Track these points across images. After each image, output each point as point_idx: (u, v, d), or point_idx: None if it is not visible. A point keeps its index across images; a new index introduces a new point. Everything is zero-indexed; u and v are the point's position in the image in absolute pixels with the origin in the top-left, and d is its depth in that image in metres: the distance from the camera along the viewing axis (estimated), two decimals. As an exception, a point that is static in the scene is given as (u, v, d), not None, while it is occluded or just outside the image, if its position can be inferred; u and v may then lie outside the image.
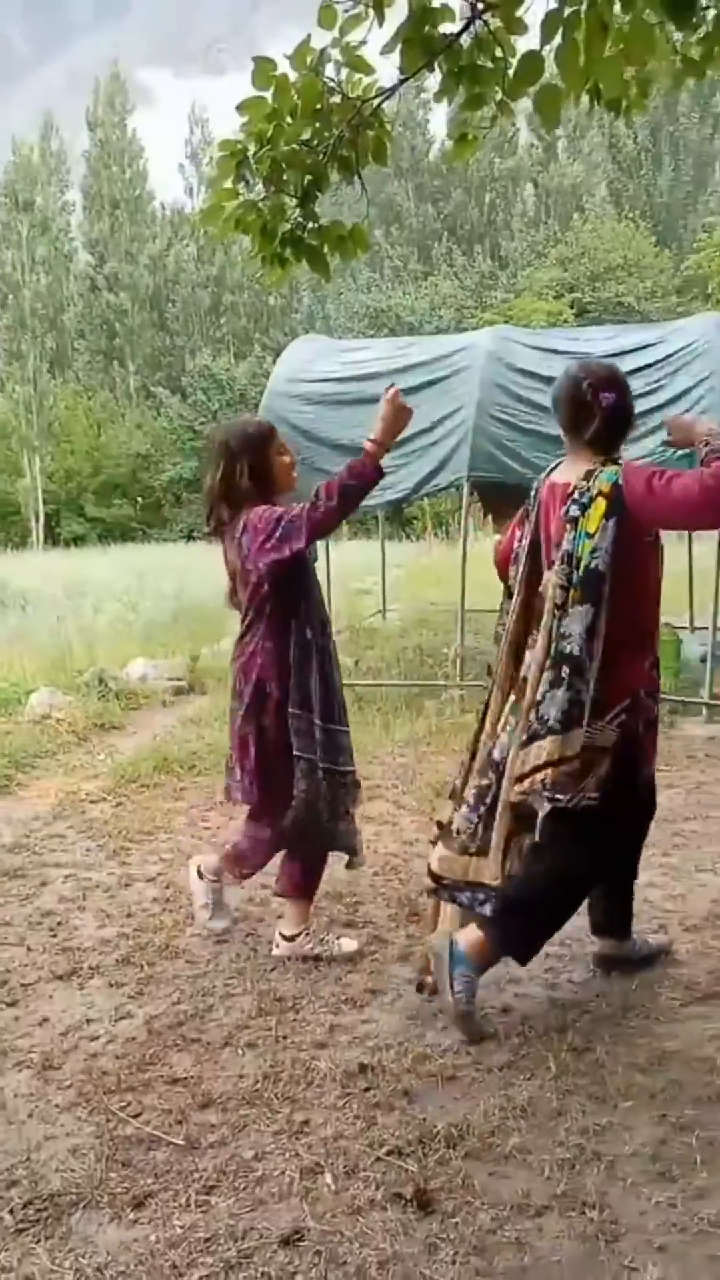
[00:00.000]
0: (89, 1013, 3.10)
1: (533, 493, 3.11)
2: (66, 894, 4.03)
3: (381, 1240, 2.14)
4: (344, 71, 2.55)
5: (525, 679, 2.98)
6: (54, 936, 3.65)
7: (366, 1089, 2.67)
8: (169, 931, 3.64)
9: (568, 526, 2.86)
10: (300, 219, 2.70)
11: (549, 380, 7.03)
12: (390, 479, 6.78)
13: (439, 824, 3.25)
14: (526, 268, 32.46)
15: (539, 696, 2.87)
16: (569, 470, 3.00)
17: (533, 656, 2.95)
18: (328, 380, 7.38)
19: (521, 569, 3.08)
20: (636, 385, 6.75)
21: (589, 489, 2.86)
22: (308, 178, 2.57)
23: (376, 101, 2.52)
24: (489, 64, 2.45)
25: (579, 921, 3.47)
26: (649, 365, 6.86)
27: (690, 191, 38.85)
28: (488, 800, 3.05)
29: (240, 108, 2.54)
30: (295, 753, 3.23)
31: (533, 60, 2.31)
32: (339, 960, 3.36)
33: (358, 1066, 2.76)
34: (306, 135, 2.50)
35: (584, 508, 2.84)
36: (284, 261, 2.77)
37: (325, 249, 2.76)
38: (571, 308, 27.03)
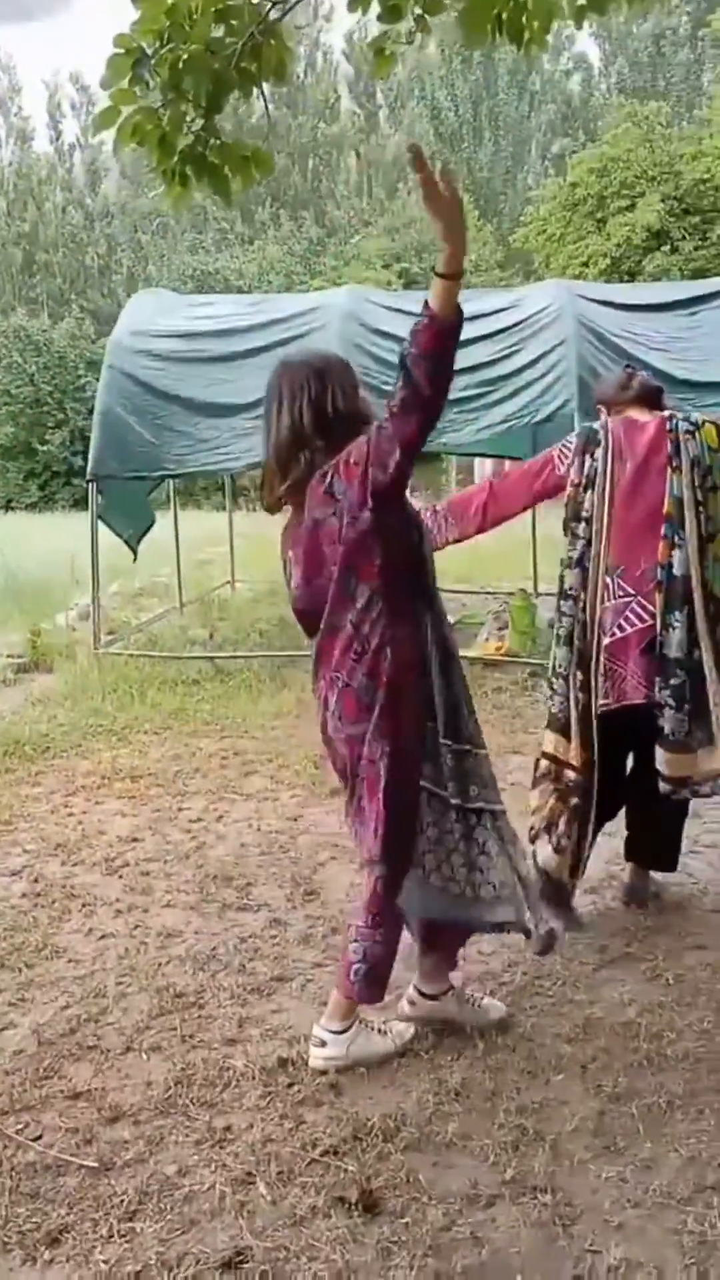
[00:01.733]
0: (-34, 1026, 2.78)
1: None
2: None
3: (331, 1251, 1.97)
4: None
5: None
6: None
7: (289, 1085, 2.49)
8: (44, 929, 3.33)
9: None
10: (201, 132, 2.42)
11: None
12: (250, 440, 6.53)
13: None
14: (354, 236, 32.37)
15: None
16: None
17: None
18: (178, 335, 7.00)
19: None
20: (495, 350, 6.82)
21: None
22: (211, 86, 2.30)
23: (289, 4, 2.28)
24: (404, -28, 2.26)
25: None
26: (505, 329, 6.85)
27: (510, 167, 39.67)
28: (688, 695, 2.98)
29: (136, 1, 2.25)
30: (421, 783, 2.47)
31: (463, -32, 2.14)
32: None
33: (276, 1061, 2.58)
34: (219, 33, 2.23)
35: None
36: (184, 180, 2.49)
37: (227, 169, 2.50)
38: (400, 277, 27.13)
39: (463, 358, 7.40)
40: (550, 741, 3.18)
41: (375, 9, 2.30)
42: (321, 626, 2.43)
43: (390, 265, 27.75)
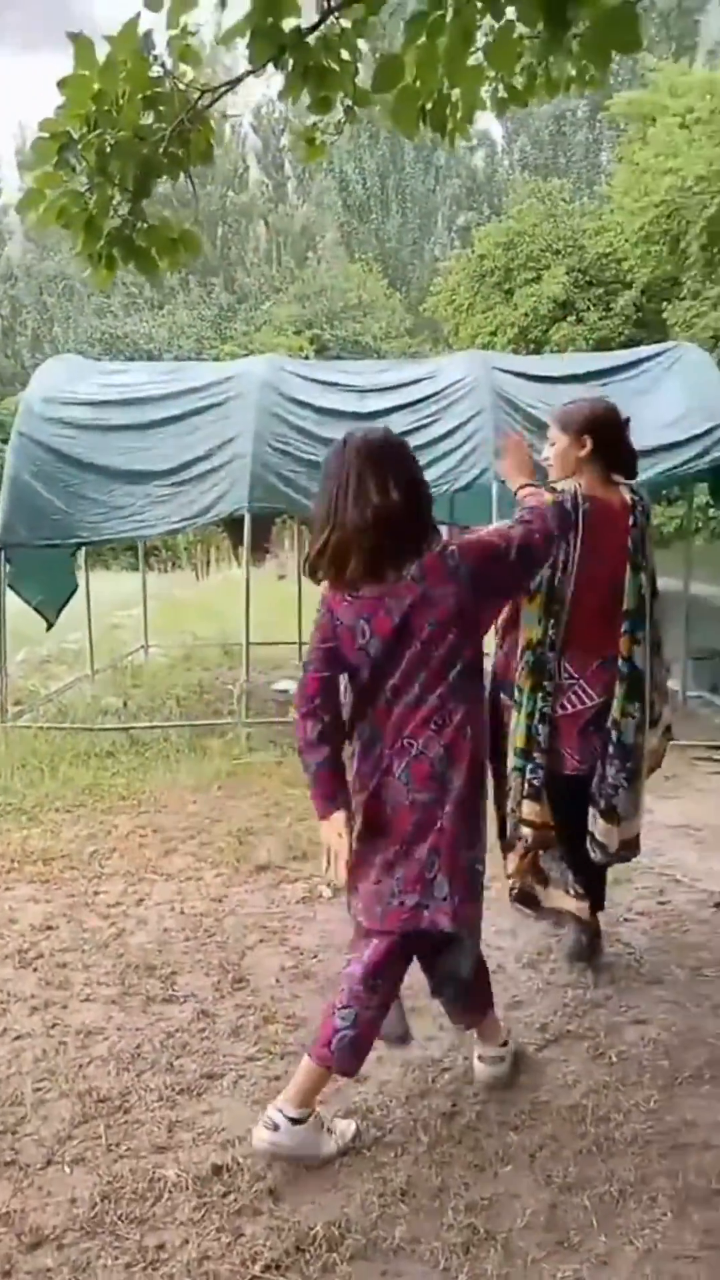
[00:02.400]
0: None
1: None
2: None
3: None
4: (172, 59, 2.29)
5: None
6: None
7: (225, 1194, 2.35)
8: (-46, 1030, 3.12)
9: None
10: (129, 216, 2.39)
11: (324, 411, 7.04)
12: (165, 507, 6.46)
13: None
14: (265, 302, 32.82)
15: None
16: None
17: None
18: (92, 404, 6.91)
19: None
20: (413, 419, 6.91)
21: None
22: (138, 171, 2.27)
23: (220, 92, 2.28)
24: (335, 66, 2.28)
25: (419, 974, 3.31)
26: (423, 399, 6.95)
27: (417, 238, 40.89)
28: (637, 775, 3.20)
29: (61, 84, 2.21)
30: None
31: (392, 63, 2.16)
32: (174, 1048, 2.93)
33: (210, 1169, 2.43)
34: (148, 121, 2.20)
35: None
36: (111, 261, 2.45)
37: (154, 251, 2.47)
38: (311, 344, 27.55)
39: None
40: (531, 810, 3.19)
41: (305, 99, 2.32)
42: (404, 695, 2.43)
43: (301, 331, 28.17)
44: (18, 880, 4.32)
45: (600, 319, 20.23)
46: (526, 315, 20.50)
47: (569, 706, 3.14)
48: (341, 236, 41.01)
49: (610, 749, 3.13)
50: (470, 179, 43.47)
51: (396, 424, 6.88)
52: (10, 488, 6.55)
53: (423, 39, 2.06)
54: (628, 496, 3.12)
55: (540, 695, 3.13)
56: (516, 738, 3.16)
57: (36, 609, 7.59)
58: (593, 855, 3.23)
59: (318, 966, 3.46)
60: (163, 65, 2.26)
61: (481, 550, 2.45)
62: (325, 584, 2.49)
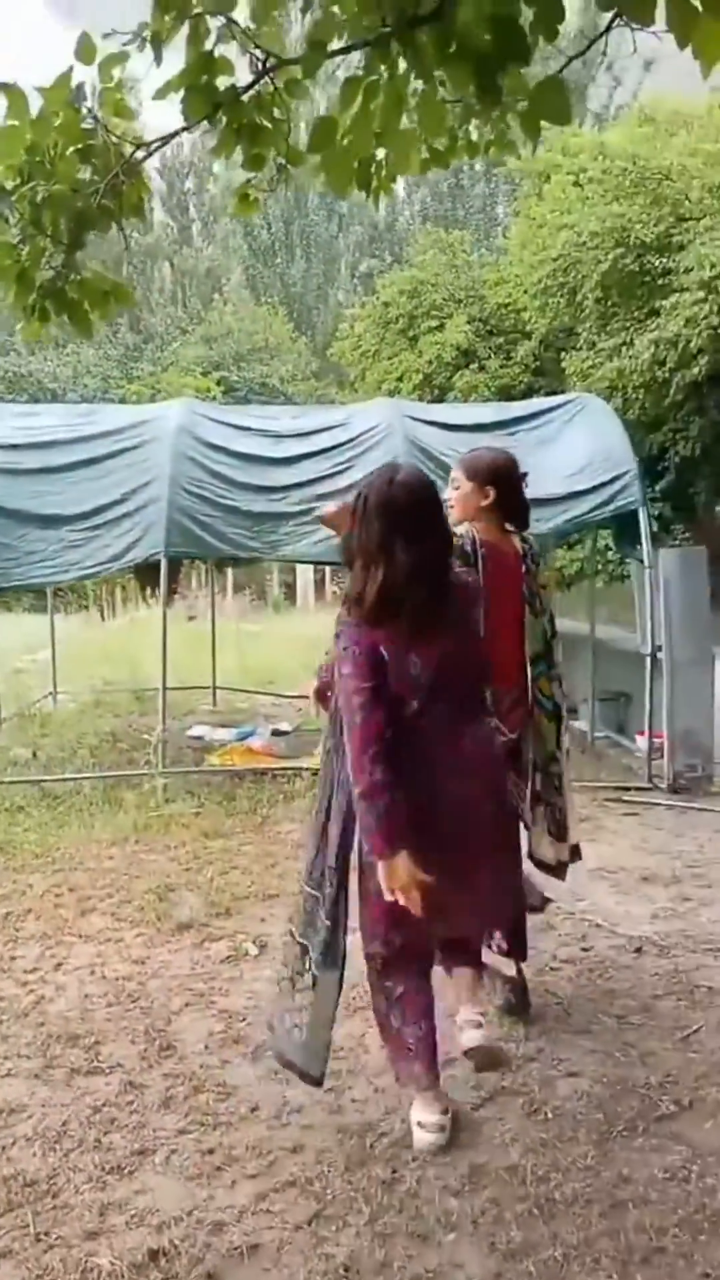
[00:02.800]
0: None
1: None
2: None
3: None
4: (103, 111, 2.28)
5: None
6: None
7: (162, 1282, 2.26)
8: None
9: None
10: (61, 268, 2.36)
11: (240, 456, 7.05)
12: (79, 552, 6.35)
13: None
14: (172, 343, 32.77)
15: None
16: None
17: None
18: (3, 447, 6.77)
19: None
20: (325, 466, 6.96)
21: None
22: (72, 224, 2.25)
23: (153, 146, 2.28)
24: (268, 124, 2.31)
25: (352, 1028, 3.28)
26: (337, 446, 7.01)
27: (321, 284, 41.51)
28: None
29: (-6, 137, 2.19)
30: None
31: (326, 125, 2.20)
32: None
33: (146, 1254, 2.34)
34: (84, 175, 2.19)
35: None
36: (44, 314, 2.41)
37: (86, 304, 2.44)
38: (219, 385, 27.59)
39: (295, 473, 7.49)
40: None
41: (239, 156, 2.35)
42: (457, 717, 2.64)
43: (209, 373, 28.20)
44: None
45: (501, 367, 20.75)
46: (430, 362, 20.90)
47: None
48: (247, 279, 41.35)
49: (540, 781, 3.38)
50: (372, 227, 44.40)
51: (310, 470, 6.96)
52: None
53: (358, 102, 2.11)
54: (519, 545, 3.37)
55: None
56: None
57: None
58: (543, 870, 3.48)
59: (247, 1030, 3.38)
60: (95, 118, 2.26)
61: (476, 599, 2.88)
62: (359, 625, 2.53)
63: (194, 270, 42.48)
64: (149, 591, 16.56)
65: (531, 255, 19.89)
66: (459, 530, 3.23)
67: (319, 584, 23.59)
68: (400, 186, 47.01)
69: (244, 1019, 3.47)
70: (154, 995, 3.67)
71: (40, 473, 6.62)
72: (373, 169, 2.71)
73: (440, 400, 19.50)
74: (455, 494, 3.32)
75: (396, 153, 2.26)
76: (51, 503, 6.46)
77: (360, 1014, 3.32)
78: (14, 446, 6.78)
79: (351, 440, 7.01)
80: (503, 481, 3.30)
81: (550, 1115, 2.88)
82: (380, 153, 2.70)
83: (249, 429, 7.31)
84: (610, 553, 14.04)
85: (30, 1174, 2.64)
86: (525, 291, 20.23)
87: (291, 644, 15.20)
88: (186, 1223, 2.44)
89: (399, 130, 2.17)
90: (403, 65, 2.23)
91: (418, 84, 2.33)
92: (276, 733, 7.92)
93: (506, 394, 19.56)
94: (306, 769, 6.81)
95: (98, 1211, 2.50)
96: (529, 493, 3.41)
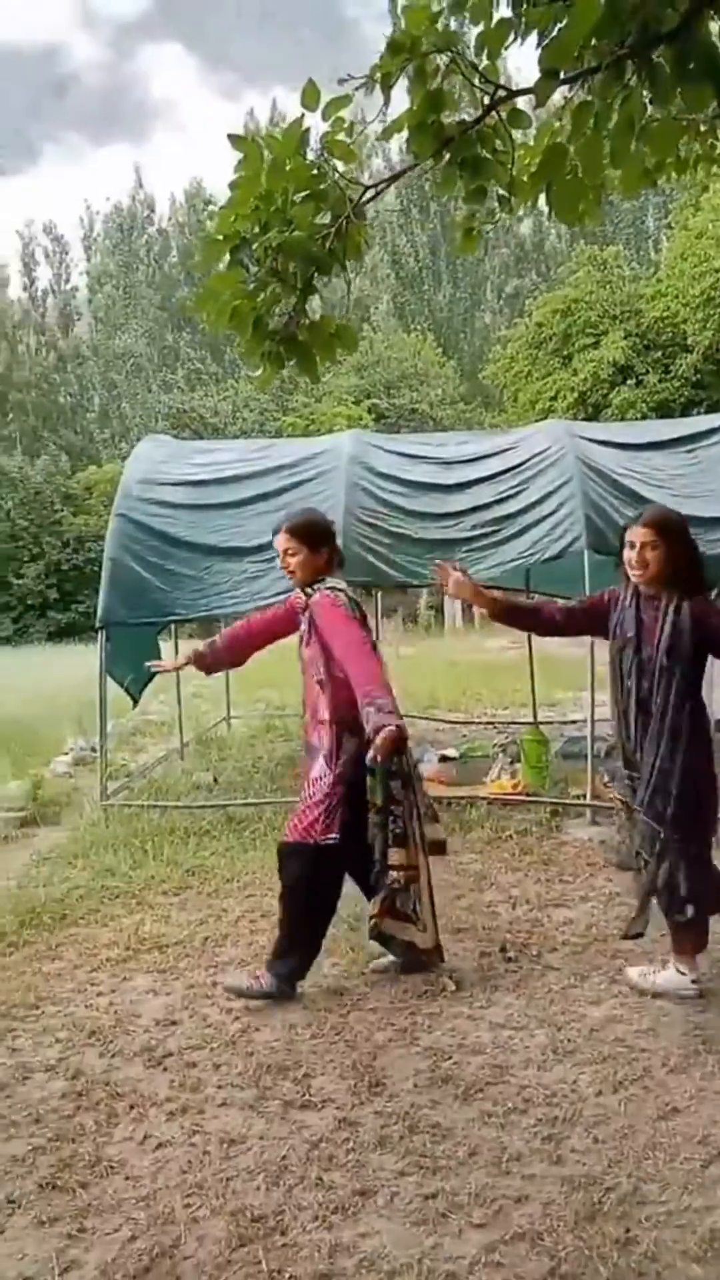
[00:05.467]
0: (23, 1268, 2.47)
1: None
2: (-53, 1098, 3.32)
3: None
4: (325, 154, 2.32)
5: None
6: (-54, 1161, 2.96)
7: (400, 1332, 2.22)
8: (94, 1138, 3.02)
9: None
10: (292, 313, 2.41)
11: (410, 484, 7.06)
12: (259, 583, 6.49)
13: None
14: (325, 374, 33.51)
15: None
16: None
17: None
18: (186, 484, 7.03)
19: None
20: (500, 490, 6.90)
21: None
22: (309, 268, 2.29)
23: (380, 188, 2.30)
24: (489, 156, 2.30)
25: (563, 1073, 3.17)
26: (506, 471, 6.94)
27: (468, 308, 41.65)
28: None
29: (233, 186, 2.25)
30: None
31: (557, 153, 2.17)
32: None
33: (380, 1301, 2.30)
34: (323, 220, 2.23)
35: None
36: (278, 359, 2.47)
37: (315, 348, 2.49)
38: (370, 413, 27.98)
39: (468, 498, 7.42)
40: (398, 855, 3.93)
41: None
42: None
43: (360, 401, 28.64)
44: (135, 970, 4.25)
45: (659, 382, 20.26)
46: (586, 380, 20.62)
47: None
48: (395, 307, 41.87)
49: None
50: (519, 247, 44.28)
51: (482, 495, 6.91)
52: (110, 568, 6.65)
53: (590, 127, 2.07)
54: None
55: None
56: (375, 796, 3.83)
57: (125, 688, 7.63)
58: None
59: (454, 1070, 3.32)
60: (325, 161, 2.30)
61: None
62: None
63: (343, 301, 43.34)
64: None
65: (691, 267, 19.38)
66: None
67: (466, 606, 23.47)
68: (542, 201, 46.76)
69: (449, 1057, 3.41)
70: (356, 1028, 3.66)
71: (222, 507, 6.83)
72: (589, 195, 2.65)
73: (594, 418, 19.15)
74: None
75: (624, 176, 2.20)
76: (233, 536, 6.64)
77: (570, 1058, 3.22)
78: (200, 483, 7.02)
79: (522, 464, 6.93)
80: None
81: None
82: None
83: (418, 457, 7.33)
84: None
85: (257, 1209, 2.65)
86: (685, 304, 19.71)
87: (450, 669, 15.16)
88: (417, 1269, 2.39)
89: (628, 153, 2.12)
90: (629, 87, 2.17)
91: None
92: (445, 759, 7.87)
93: (665, 409, 19.05)
94: (482, 798, 6.72)
95: (327, 1253, 2.48)
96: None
